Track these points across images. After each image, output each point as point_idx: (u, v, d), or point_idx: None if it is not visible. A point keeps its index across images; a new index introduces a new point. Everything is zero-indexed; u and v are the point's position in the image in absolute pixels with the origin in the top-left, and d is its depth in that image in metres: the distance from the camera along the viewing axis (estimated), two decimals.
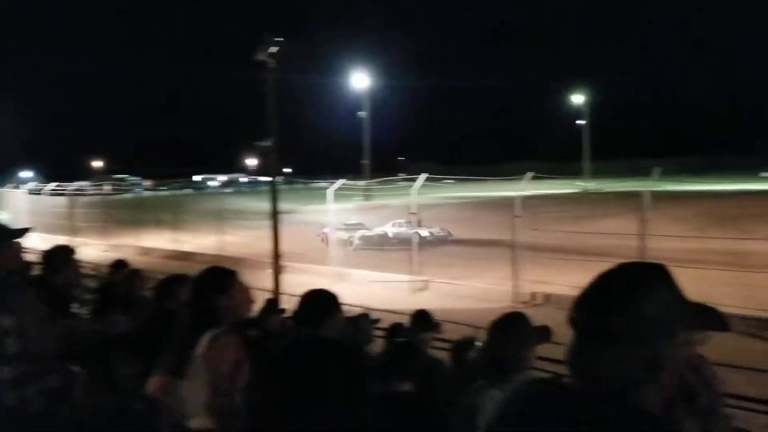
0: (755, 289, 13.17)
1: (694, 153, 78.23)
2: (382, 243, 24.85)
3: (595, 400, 1.24)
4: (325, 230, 26.10)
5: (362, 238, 23.24)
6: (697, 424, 1.43)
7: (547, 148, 79.54)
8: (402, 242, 23.53)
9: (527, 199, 17.75)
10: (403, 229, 25.74)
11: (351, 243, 24.73)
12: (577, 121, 77.02)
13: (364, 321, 4.36)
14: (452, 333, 5.53)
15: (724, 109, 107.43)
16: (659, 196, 14.75)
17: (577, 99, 79.27)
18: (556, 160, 68.16)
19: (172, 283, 4.23)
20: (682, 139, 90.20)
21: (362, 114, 56.62)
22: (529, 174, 16.87)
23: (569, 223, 23.36)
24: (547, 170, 29.23)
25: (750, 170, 59.29)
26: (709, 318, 1.34)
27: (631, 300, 1.28)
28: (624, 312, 1.26)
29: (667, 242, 16.29)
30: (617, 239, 15.50)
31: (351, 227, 26.15)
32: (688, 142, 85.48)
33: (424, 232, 25.07)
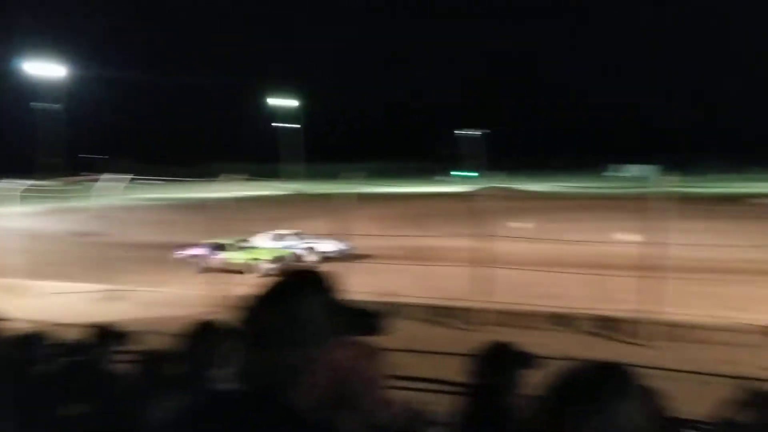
0: (433, 279, 14.97)
1: (394, 157, 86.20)
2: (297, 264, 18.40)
3: (250, 401, 1.30)
4: (185, 252, 19.29)
5: (278, 260, 18.03)
6: (355, 419, 1.53)
7: (259, 150, 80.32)
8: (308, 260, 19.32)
9: (238, 201, 17.55)
10: (293, 243, 20.70)
11: (253, 269, 18.17)
12: (273, 124, 79.79)
13: (32, 340, 3.87)
14: (146, 344, 5.20)
15: (414, 117, 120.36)
16: (363, 198, 15.81)
17: (287, 102, 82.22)
18: (269, 161, 69.58)
19: None
20: (384, 144, 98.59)
21: (55, 106, 51.03)
22: (226, 176, 16.54)
23: (275, 224, 23.93)
24: (260, 172, 29.53)
25: (428, 174, 68.78)
26: (363, 323, 1.45)
27: (283, 306, 1.34)
28: (276, 317, 1.32)
29: (368, 240, 17.71)
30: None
31: (241, 247, 19.67)
32: (390, 147, 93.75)
33: (327, 247, 20.11)
